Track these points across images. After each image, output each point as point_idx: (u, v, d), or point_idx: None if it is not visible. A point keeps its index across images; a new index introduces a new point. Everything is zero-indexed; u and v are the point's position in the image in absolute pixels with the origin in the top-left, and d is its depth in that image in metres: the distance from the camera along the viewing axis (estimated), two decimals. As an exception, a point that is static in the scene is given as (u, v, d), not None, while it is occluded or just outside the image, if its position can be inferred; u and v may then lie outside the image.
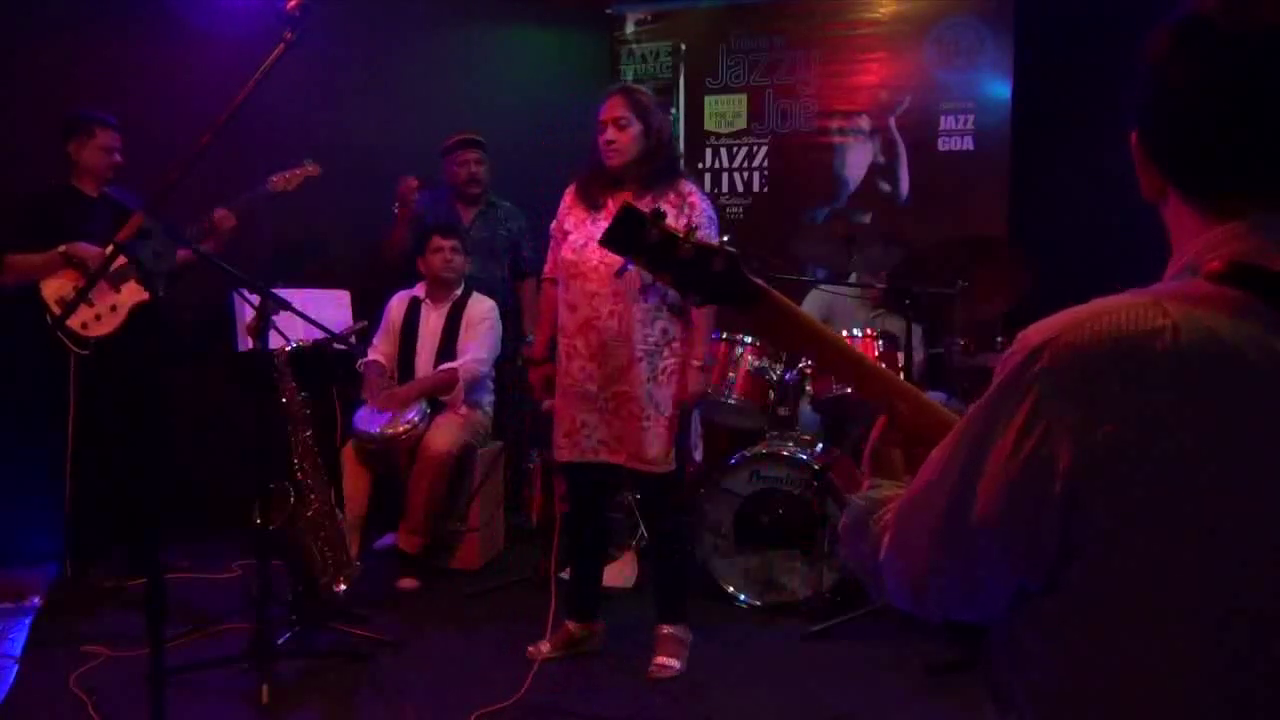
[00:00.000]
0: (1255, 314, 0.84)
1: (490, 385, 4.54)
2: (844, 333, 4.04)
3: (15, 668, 3.34)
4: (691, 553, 3.84)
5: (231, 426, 4.14)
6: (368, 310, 4.51)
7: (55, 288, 3.87)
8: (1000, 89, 4.90)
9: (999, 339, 4.16)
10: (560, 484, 4.35)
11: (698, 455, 3.49)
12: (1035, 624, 0.90)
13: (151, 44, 4.60)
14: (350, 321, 4.38)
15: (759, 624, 3.77)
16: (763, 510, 3.90)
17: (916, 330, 3.92)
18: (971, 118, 4.96)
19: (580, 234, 3.26)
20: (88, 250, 3.86)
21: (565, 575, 4.03)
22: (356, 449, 4.24)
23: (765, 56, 5.32)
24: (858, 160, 5.19)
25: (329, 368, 4.44)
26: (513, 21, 5.52)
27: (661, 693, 3.20)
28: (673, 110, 5.14)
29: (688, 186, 3.29)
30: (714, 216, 3.33)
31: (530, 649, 3.38)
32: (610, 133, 3.23)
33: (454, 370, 4.29)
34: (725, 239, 1.20)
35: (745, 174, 5.35)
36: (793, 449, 3.97)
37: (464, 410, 4.34)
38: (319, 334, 3.49)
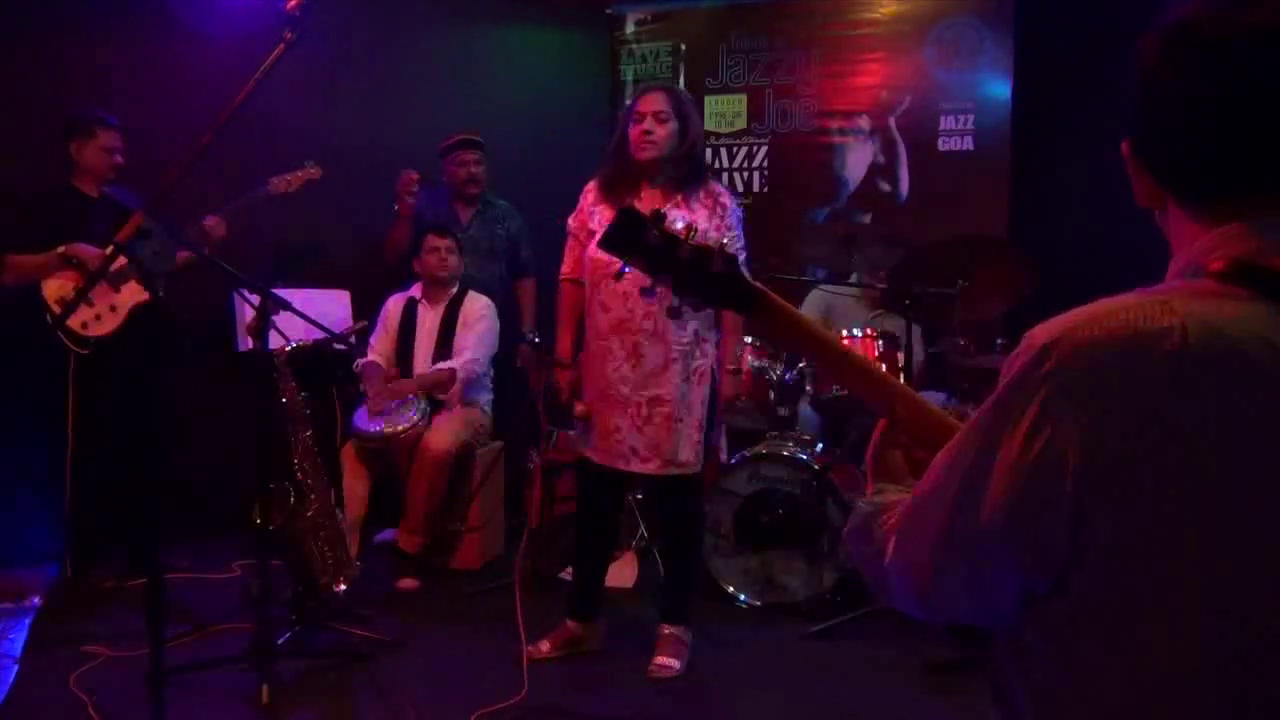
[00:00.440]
0: (1260, 313, 0.84)
1: (489, 384, 4.55)
2: (844, 333, 4.05)
3: (15, 668, 3.33)
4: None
5: (231, 426, 4.15)
6: (367, 310, 4.51)
7: (55, 288, 3.87)
8: (1000, 89, 4.90)
9: (999, 339, 4.16)
10: (562, 484, 4.36)
11: (724, 455, 3.48)
12: (1038, 625, 0.90)
13: (151, 44, 4.60)
14: (350, 321, 4.38)
15: (759, 624, 3.77)
16: (763, 510, 3.90)
17: (916, 330, 3.92)
18: (971, 118, 4.96)
19: None
20: (88, 250, 3.86)
21: (566, 575, 4.03)
22: (356, 449, 4.25)
23: (765, 56, 5.32)
24: (858, 160, 5.19)
25: (329, 368, 4.44)
26: (513, 21, 5.52)
27: (661, 693, 3.20)
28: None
29: (718, 187, 3.29)
30: (742, 217, 3.33)
31: (530, 648, 3.37)
32: (648, 123, 3.18)
33: (451, 369, 4.29)
34: (724, 242, 1.20)
35: (745, 174, 5.36)
36: (793, 449, 3.97)
37: (463, 410, 4.34)
38: (319, 334, 3.49)
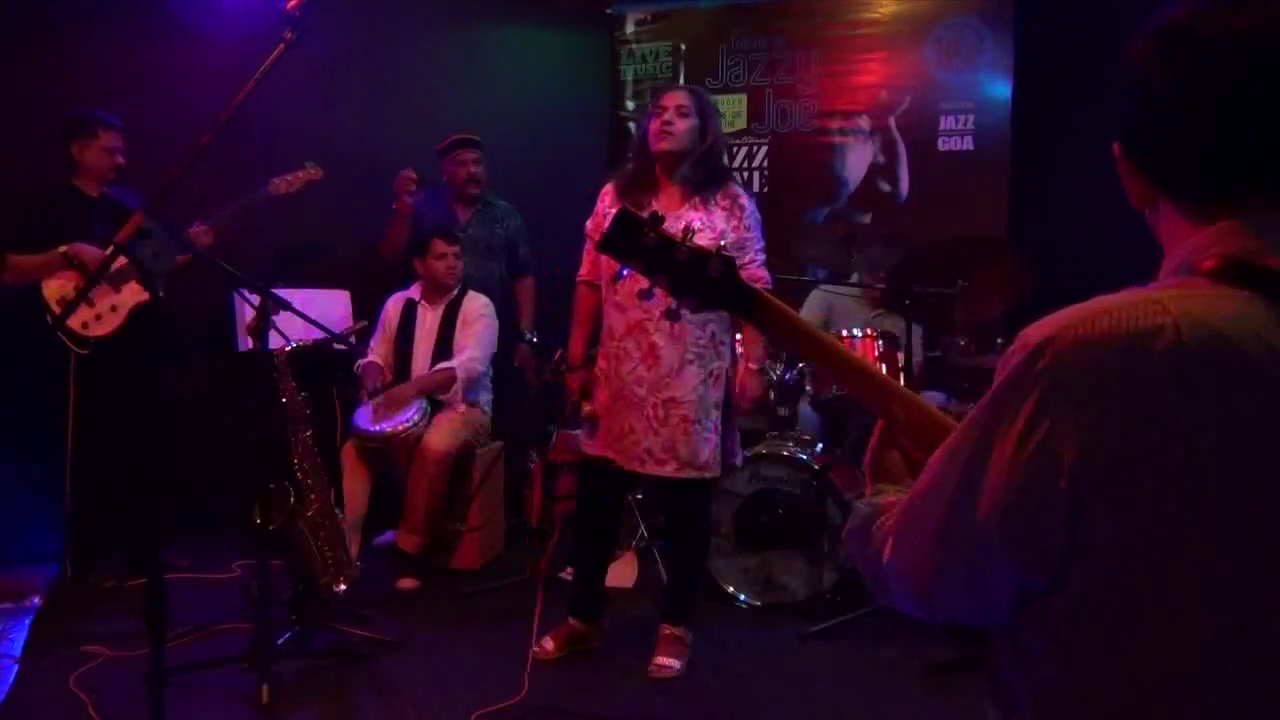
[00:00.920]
0: (1255, 311, 0.84)
1: (489, 384, 4.55)
2: (844, 333, 4.05)
3: (15, 668, 3.33)
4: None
5: (231, 426, 4.15)
6: (367, 310, 4.50)
7: (56, 287, 3.87)
8: (1000, 89, 4.90)
9: (999, 339, 4.16)
10: (562, 484, 4.36)
11: (737, 460, 3.47)
12: (1036, 623, 0.90)
13: (151, 44, 4.60)
14: (350, 321, 4.38)
15: (759, 624, 3.77)
16: (763, 510, 3.90)
17: (916, 330, 3.92)
18: (971, 118, 4.96)
19: None
20: (88, 251, 3.86)
21: (566, 575, 4.03)
22: (356, 448, 4.24)
23: (765, 56, 5.33)
24: (858, 160, 5.19)
25: (329, 368, 4.45)
26: (513, 21, 5.52)
27: (662, 693, 3.20)
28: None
29: (736, 189, 3.29)
30: (759, 219, 3.32)
31: (535, 647, 3.37)
32: (669, 115, 3.18)
33: (451, 369, 4.29)
34: (724, 244, 1.20)
35: (745, 174, 5.36)
36: (793, 449, 3.97)
37: (463, 410, 4.34)
38: (319, 334, 3.49)
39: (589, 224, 3.41)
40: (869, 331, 4.06)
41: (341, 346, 4.18)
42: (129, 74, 4.52)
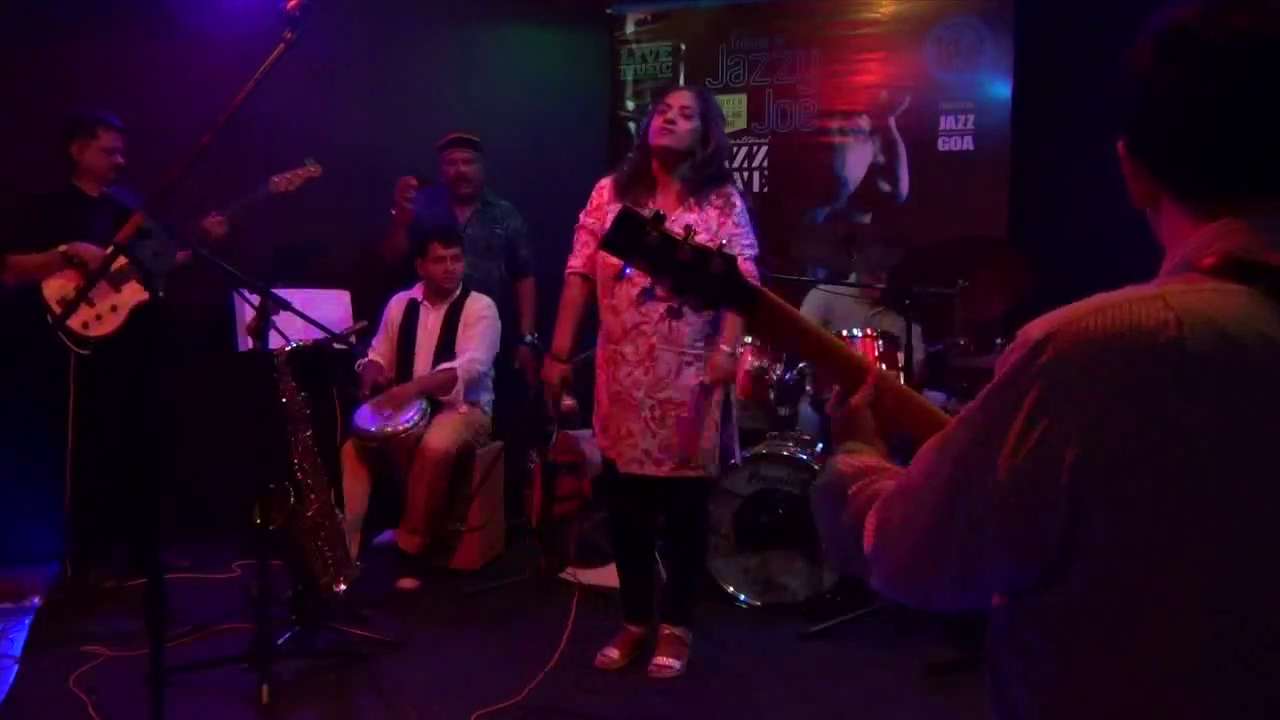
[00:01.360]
0: (1255, 307, 0.84)
1: (490, 384, 4.54)
2: (843, 333, 4.05)
3: (15, 668, 3.33)
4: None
5: (231, 426, 4.15)
6: (367, 310, 4.50)
7: (56, 287, 3.87)
8: (1000, 89, 4.90)
9: (999, 339, 4.16)
10: (563, 484, 4.36)
11: (735, 459, 3.47)
12: (1037, 622, 0.90)
13: (151, 44, 4.61)
14: (350, 321, 4.38)
15: (759, 624, 3.77)
16: (763, 510, 3.90)
17: (916, 330, 3.92)
18: (971, 118, 4.96)
19: None
20: (88, 250, 3.86)
21: (567, 576, 4.03)
22: (356, 448, 4.24)
23: (765, 56, 5.32)
24: (858, 160, 5.19)
25: (329, 368, 4.44)
26: (513, 21, 5.52)
27: (662, 693, 3.20)
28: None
29: (730, 189, 3.28)
30: (750, 217, 3.30)
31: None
32: (673, 114, 3.19)
33: (453, 370, 4.29)
34: (725, 243, 1.20)
35: (745, 174, 5.36)
36: (793, 449, 3.97)
37: (464, 410, 4.34)
38: (319, 334, 3.49)
39: (583, 216, 3.39)
40: (869, 331, 4.07)
41: (341, 346, 4.18)
42: (129, 74, 4.52)
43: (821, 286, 4.58)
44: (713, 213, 3.21)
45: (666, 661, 3.30)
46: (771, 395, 4.09)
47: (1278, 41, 0.86)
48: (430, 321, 4.44)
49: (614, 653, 3.38)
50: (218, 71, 3.84)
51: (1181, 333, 0.82)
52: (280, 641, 3.28)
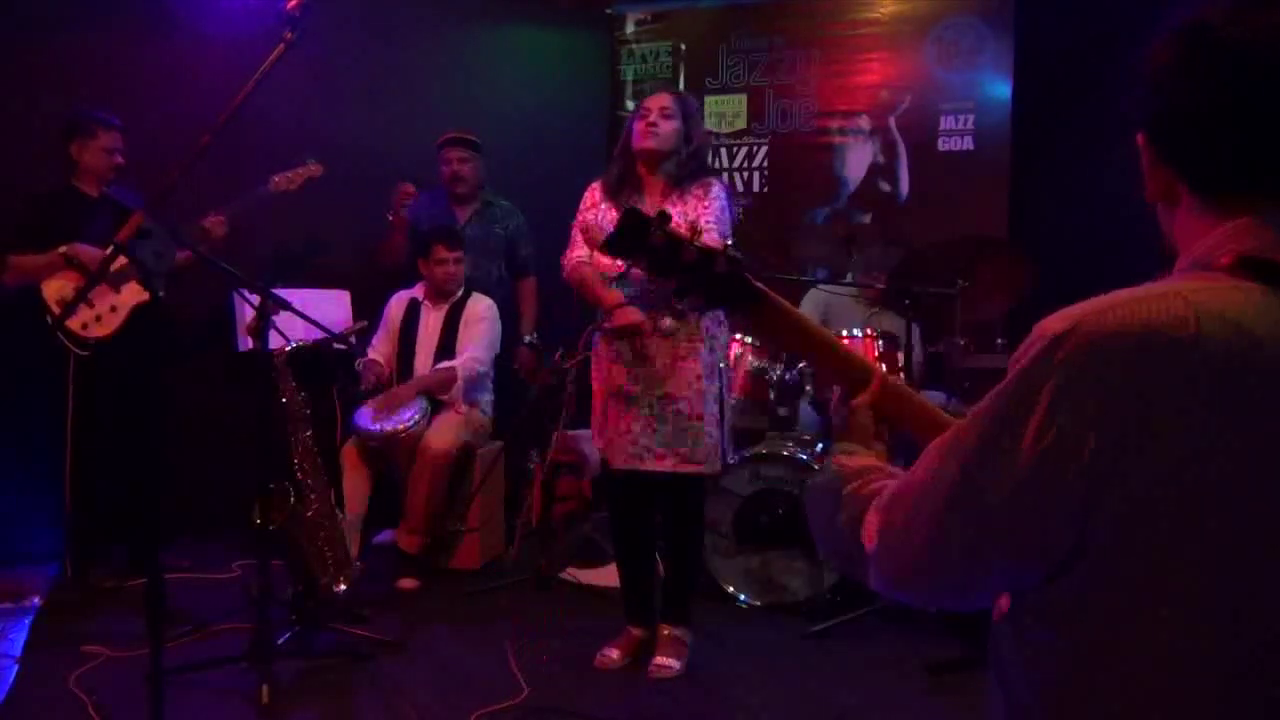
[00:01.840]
0: (1271, 305, 0.84)
1: (490, 385, 4.54)
2: (842, 333, 4.05)
3: (15, 668, 3.33)
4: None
5: (231, 426, 4.15)
6: (368, 310, 4.50)
7: (56, 288, 3.87)
8: (1000, 89, 4.90)
9: (999, 339, 4.16)
10: (564, 484, 4.36)
11: (730, 457, 3.47)
12: (1043, 618, 0.89)
13: (151, 44, 4.61)
14: (350, 321, 4.38)
15: (759, 624, 3.77)
16: (763, 510, 3.90)
17: (916, 330, 3.92)
18: (971, 118, 4.96)
19: None
20: (88, 251, 3.86)
21: (567, 576, 4.03)
22: (357, 448, 4.24)
23: (765, 56, 5.32)
24: (858, 160, 5.19)
25: (329, 368, 4.44)
26: (513, 21, 5.52)
27: (662, 693, 3.20)
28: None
29: (714, 181, 3.29)
30: (727, 209, 3.26)
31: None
32: (654, 116, 3.22)
33: (453, 369, 4.29)
34: (730, 242, 1.19)
35: (745, 174, 5.36)
36: (793, 449, 3.97)
37: (464, 409, 4.34)
38: (319, 334, 3.49)
39: (579, 215, 3.37)
40: (869, 332, 4.07)
41: (341, 346, 4.17)
42: (129, 74, 4.52)
43: (821, 286, 4.58)
44: (693, 202, 3.22)
45: (666, 661, 3.30)
46: (771, 395, 4.09)
47: None
48: (431, 321, 4.44)
49: (614, 653, 3.38)
50: (218, 71, 3.85)
51: (1199, 330, 0.81)
52: (280, 641, 3.27)
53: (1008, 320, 4.21)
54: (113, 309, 3.96)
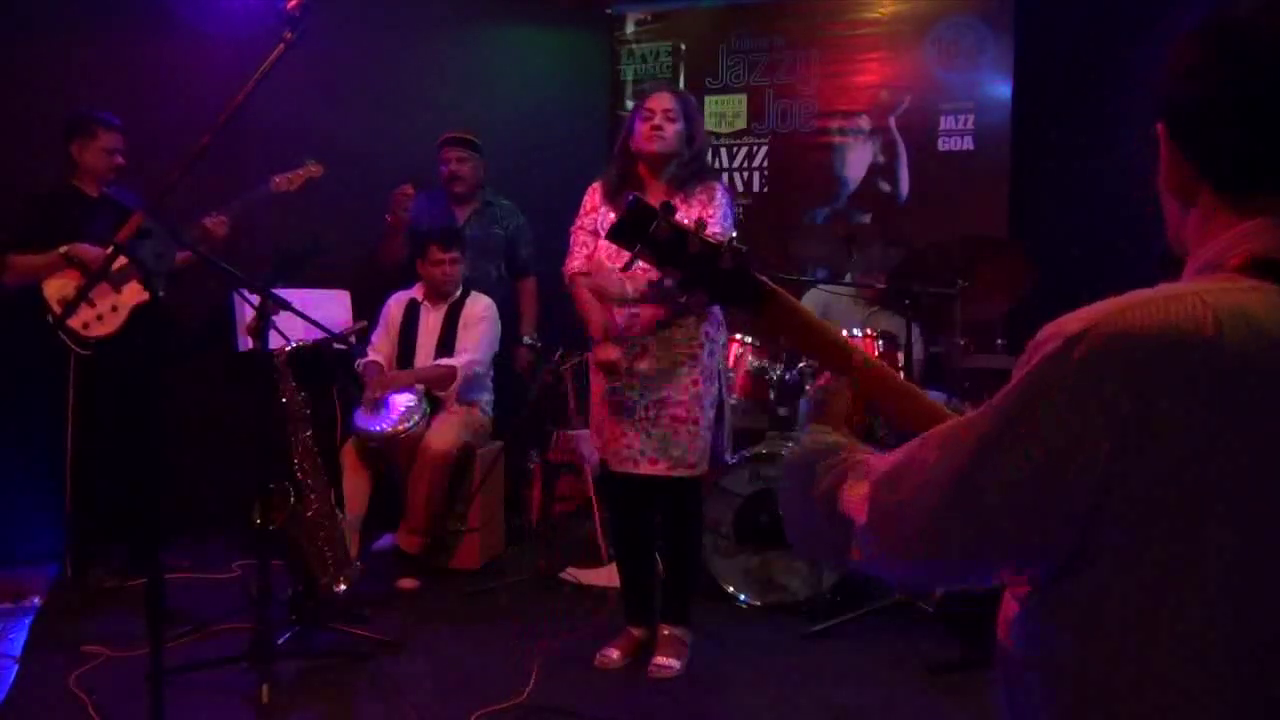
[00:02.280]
0: None
1: (489, 385, 4.54)
2: (843, 333, 4.04)
3: (15, 668, 3.33)
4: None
5: (231, 426, 4.15)
6: (367, 310, 4.50)
7: (57, 287, 3.87)
8: (1000, 89, 4.90)
9: (999, 339, 4.16)
10: (564, 484, 4.36)
11: (728, 457, 3.48)
12: (1052, 617, 0.89)
13: (151, 44, 4.61)
14: (350, 321, 4.38)
15: (759, 624, 3.77)
16: (763, 510, 3.90)
17: (916, 330, 3.92)
18: (971, 118, 4.96)
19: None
20: (89, 251, 3.86)
21: (567, 576, 4.03)
22: (357, 448, 4.24)
23: (765, 56, 5.32)
24: (858, 160, 5.19)
25: (329, 368, 4.44)
26: (513, 21, 5.52)
27: (661, 693, 3.20)
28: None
29: (717, 184, 3.29)
30: (730, 213, 3.29)
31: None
32: (658, 119, 3.20)
33: (453, 365, 4.29)
34: (733, 236, 1.19)
35: (745, 174, 5.36)
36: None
37: (463, 409, 4.34)
38: (319, 334, 3.49)
39: (579, 219, 3.38)
40: (869, 332, 4.07)
41: (341, 346, 4.18)
42: (129, 74, 4.52)
43: (821, 286, 4.58)
44: (697, 206, 3.22)
45: (666, 661, 3.30)
46: (771, 395, 4.09)
47: None
48: (430, 321, 4.44)
49: (614, 653, 3.39)
50: (218, 71, 3.85)
51: (1221, 331, 0.81)
52: (280, 641, 3.28)
53: (1008, 320, 4.21)
54: (114, 308, 3.96)
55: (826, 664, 3.42)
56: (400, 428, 4.15)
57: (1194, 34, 0.92)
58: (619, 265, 3.13)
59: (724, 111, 5.38)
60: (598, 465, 3.54)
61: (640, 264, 1.25)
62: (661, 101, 3.24)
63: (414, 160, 4.74)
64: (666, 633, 3.38)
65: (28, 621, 3.72)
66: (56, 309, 3.82)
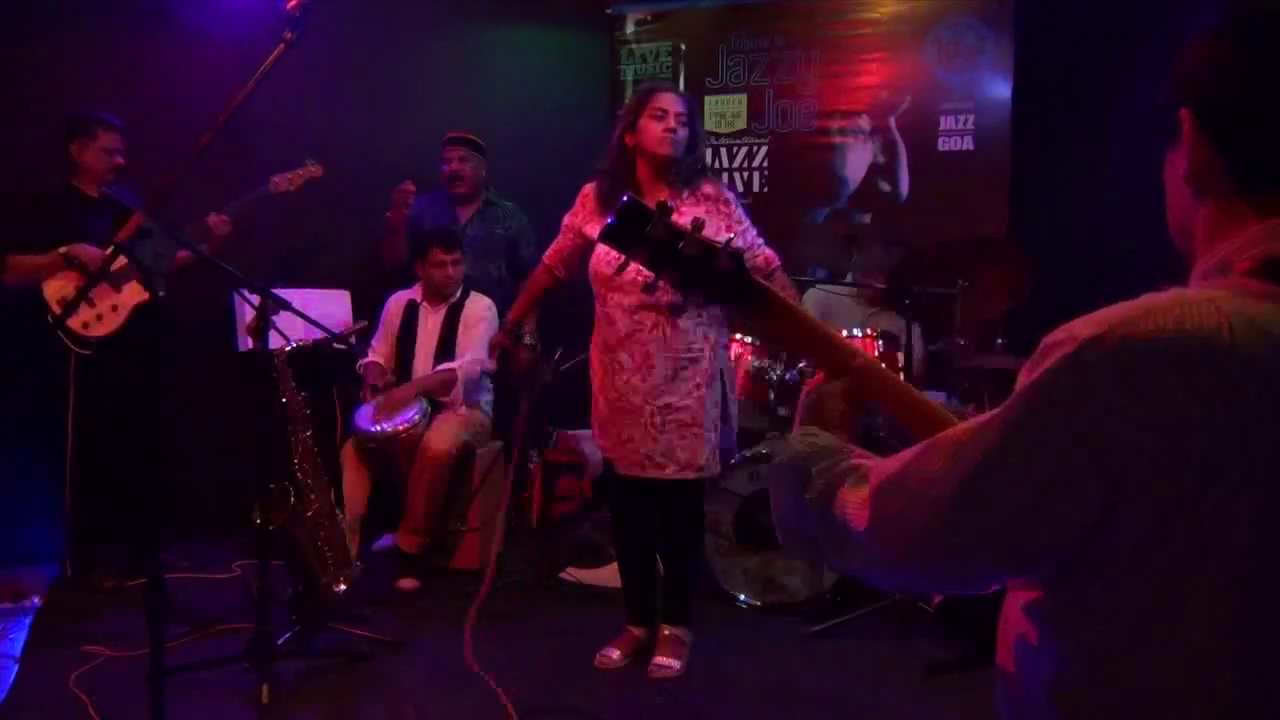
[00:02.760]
0: None
1: (489, 385, 4.54)
2: (843, 333, 4.05)
3: (15, 668, 3.33)
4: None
5: (231, 426, 4.15)
6: (367, 310, 4.50)
7: (57, 287, 3.87)
8: (1000, 89, 4.90)
9: (999, 339, 4.16)
10: (564, 484, 4.36)
11: (734, 457, 3.49)
12: (1056, 619, 0.88)
13: (151, 44, 4.60)
14: (350, 321, 4.38)
15: (759, 624, 3.77)
16: (763, 510, 3.90)
17: (916, 330, 3.92)
18: (971, 118, 4.96)
19: None
20: (88, 251, 3.86)
21: (567, 576, 4.02)
22: (356, 448, 4.24)
23: (765, 56, 5.32)
24: (858, 160, 5.19)
25: (329, 368, 4.44)
26: (513, 21, 5.52)
27: (661, 693, 3.20)
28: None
29: (714, 187, 3.29)
30: (745, 217, 3.33)
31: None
32: (673, 122, 3.19)
33: (453, 370, 4.29)
34: (731, 238, 1.17)
35: (745, 174, 5.36)
36: (793, 449, 3.96)
37: (464, 410, 4.34)
38: (319, 334, 3.49)
39: (568, 218, 3.41)
40: (869, 332, 4.06)
41: (341, 346, 4.17)
42: (129, 74, 4.52)
43: (821, 286, 4.58)
44: (709, 206, 3.21)
45: (666, 661, 3.30)
46: (771, 395, 4.09)
47: None
48: (430, 322, 4.44)
49: (614, 653, 3.38)
50: (218, 71, 3.85)
51: (1234, 337, 0.80)
52: (280, 641, 3.27)
53: (1008, 320, 4.21)
54: (114, 308, 3.96)
55: (826, 664, 3.42)
56: (399, 428, 4.14)
57: (1226, 24, 0.91)
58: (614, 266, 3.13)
59: (724, 111, 5.38)
60: (599, 465, 3.53)
61: (633, 265, 1.21)
62: (676, 105, 3.22)
63: (414, 160, 4.74)
64: (667, 633, 3.38)
65: (28, 621, 3.72)
66: (56, 309, 3.82)
